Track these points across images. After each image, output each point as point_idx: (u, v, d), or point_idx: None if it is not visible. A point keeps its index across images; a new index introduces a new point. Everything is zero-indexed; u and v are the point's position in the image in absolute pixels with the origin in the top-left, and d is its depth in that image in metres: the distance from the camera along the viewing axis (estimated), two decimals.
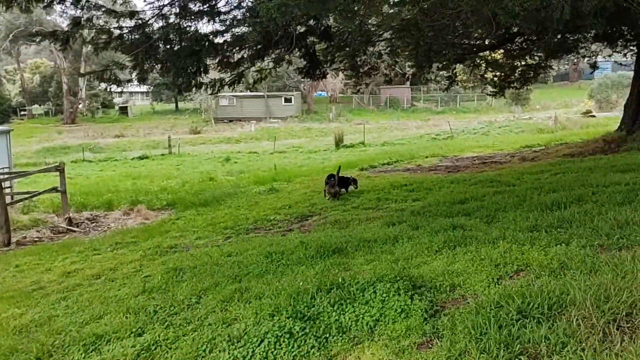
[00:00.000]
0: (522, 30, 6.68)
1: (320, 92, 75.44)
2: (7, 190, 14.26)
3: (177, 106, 75.32)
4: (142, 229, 12.14)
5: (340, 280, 4.77)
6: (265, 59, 10.91)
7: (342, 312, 4.25)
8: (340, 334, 3.98)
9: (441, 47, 12.86)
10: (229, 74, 11.25)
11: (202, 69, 9.56)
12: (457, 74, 19.83)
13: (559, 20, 5.57)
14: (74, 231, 13.41)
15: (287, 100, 64.07)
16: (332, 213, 10.90)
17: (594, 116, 35.52)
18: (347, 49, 12.32)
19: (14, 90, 73.68)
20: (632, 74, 42.76)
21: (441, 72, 20.79)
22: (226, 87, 11.56)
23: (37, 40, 10.55)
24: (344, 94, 76.79)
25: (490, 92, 20.89)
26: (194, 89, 10.47)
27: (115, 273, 7.83)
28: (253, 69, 12.18)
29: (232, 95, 62.52)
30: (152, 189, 18.75)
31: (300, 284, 4.96)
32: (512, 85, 19.13)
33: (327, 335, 3.97)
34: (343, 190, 12.75)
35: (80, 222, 14.22)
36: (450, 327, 3.70)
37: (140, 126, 58.33)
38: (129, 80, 10.15)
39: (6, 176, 14.65)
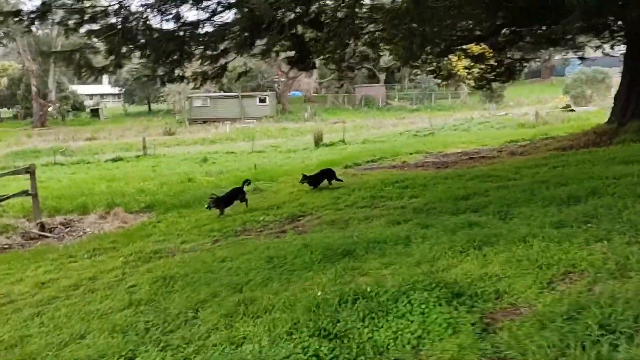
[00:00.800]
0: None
1: (294, 92, 74.66)
2: None
3: (149, 108, 73.99)
4: (121, 233, 11.32)
5: (366, 289, 4.11)
6: (253, 47, 10.21)
7: (374, 328, 3.60)
8: (378, 356, 3.33)
9: (433, 37, 12.33)
10: (211, 66, 10.53)
11: (184, 56, 8.81)
12: (441, 68, 19.27)
13: None
14: (47, 237, 12.51)
15: (262, 100, 63.14)
16: (325, 212, 10.26)
17: (573, 110, 35.44)
18: (336, 38, 11.67)
19: None
20: (606, 69, 42.86)
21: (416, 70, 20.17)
22: (209, 80, 10.83)
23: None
24: (319, 93, 76.20)
25: (477, 85, 20.47)
26: (175, 81, 9.76)
27: (95, 283, 7.06)
28: (236, 62, 11.49)
29: (206, 96, 61.53)
30: (129, 191, 17.81)
31: (319, 293, 4.29)
32: (499, 78, 18.74)
33: (363, 358, 3.32)
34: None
35: (53, 227, 13.30)
36: (516, 346, 3.08)
37: (112, 129, 56.92)
38: (104, 68, 9.23)
39: None
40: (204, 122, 59.12)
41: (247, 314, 4.41)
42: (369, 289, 4.09)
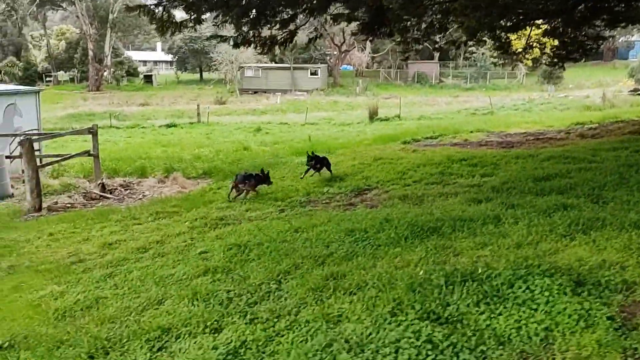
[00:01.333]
0: None
1: (345, 66, 73.78)
2: (37, 153, 13.31)
3: (201, 76, 74.34)
4: (183, 198, 11.19)
5: (476, 271, 3.75)
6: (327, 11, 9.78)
7: (492, 315, 3.24)
8: (500, 347, 2.98)
9: (512, 8, 11.67)
10: (281, 31, 10.18)
11: (264, 17, 8.46)
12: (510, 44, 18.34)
13: None
14: (108, 198, 12.51)
15: (313, 72, 62.65)
16: (392, 187, 9.89)
17: None
18: (411, 6, 11.12)
19: (40, 56, 73.13)
20: None
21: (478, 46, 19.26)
22: (277, 46, 10.47)
23: None
24: (370, 68, 75.09)
25: (549, 62, 19.49)
26: (248, 44, 9.45)
27: (163, 247, 6.88)
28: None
29: (258, 67, 61.46)
30: (185, 157, 17.82)
31: (420, 272, 3.95)
32: (572, 56, 17.79)
33: (484, 349, 2.97)
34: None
35: (113, 188, 13.30)
36: None
37: (164, 95, 57.47)
38: (182, 24, 8.89)
39: (36, 137, 13.74)
40: (255, 93, 59.09)
41: (338, 289, 4.11)
42: (479, 270, 3.72)
